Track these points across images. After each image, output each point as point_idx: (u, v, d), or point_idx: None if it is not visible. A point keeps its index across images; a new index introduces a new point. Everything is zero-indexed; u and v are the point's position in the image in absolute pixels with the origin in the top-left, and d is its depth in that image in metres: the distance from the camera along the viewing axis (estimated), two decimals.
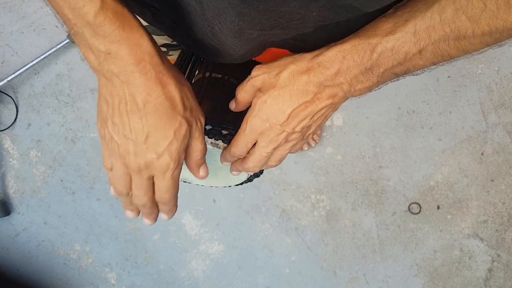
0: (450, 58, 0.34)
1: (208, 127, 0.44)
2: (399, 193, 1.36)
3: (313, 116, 0.38)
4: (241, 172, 0.45)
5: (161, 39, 0.59)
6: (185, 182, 0.53)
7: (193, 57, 0.53)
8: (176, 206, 0.41)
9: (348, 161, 1.35)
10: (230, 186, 0.55)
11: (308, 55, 0.37)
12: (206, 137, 0.44)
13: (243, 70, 0.45)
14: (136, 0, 0.39)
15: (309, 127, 0.39)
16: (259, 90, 0.39)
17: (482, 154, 1.35)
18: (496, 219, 1.36)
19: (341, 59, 0.34)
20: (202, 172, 0.40)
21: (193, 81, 0.51)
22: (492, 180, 1.35)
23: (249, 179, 0.52)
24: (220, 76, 0.49)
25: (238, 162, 0.44)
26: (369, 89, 0.37)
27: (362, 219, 1.36)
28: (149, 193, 0.38)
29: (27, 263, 1.41)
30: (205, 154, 0.40)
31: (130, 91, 0.32)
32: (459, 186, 1.35)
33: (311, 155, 1.35)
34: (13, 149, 1.36)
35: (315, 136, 1.31)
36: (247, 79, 0.40)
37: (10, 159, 1.36)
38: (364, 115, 1.34)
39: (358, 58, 0.34)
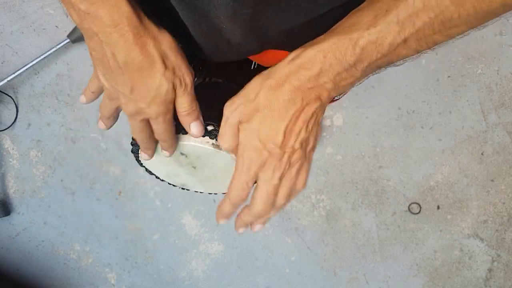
0: (434, 44, 0.33)
1: (210, 128, 0.43)
2: (399, 193, 1.36)
3: (307, 126, 0.36)
4: (248, 226, 0.41)
5: None
6: (183, 188, 0.52)
7: (192, 63, 0.52)
8: (176, 142, 0.42)
9: (348, 161, 1.35)
10: None
11: (282, 63, 0.35)
12: (207, 137, 0.43)
13: (243, 74, 0.44)
14: None
15: (307, 141, 0.37)
16: (241, 123, 0.37)
17: (482, 154, 1.35)
18: (496, 219, 1.36)
19: (322, 58, 0.33)
20: (194, 129, 0.40)
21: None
22: (492, 180, 1.35)
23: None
24: (220, 81, 0.49)
25: (243, 213, 0.40)
26: (352, 84, 0.36)
27: (362, 219, 1.36)
28: (144, 132, 0.40)
29: (27, 263, 1.41)
30: (196, 110, 0.39)
31: (110, 50, 0.33)
32: (459, 186, 1.35)
33: None
34: (13, 149, 1.36)
35: None
36: (222, 122, 0.38)
37: (10, 159, 1.36)
38: (364, 115, 1.34)
39: (340, 55, 0.32)
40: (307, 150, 0.38)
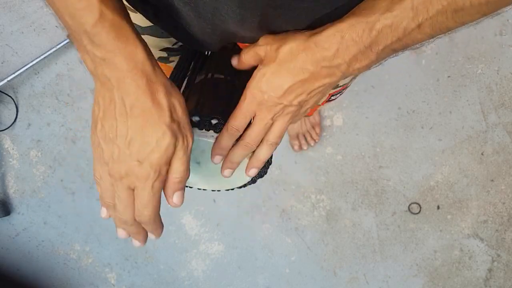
0: (447, 30, 0.34)
1: (214, 121, 0.43)
2: (399, 193, 1.36)
3: (310, 93, 0.39)
4: (234, 168, 0.44)
5: (162, 42, 0.59)
6: (186, 186, 0.52)
7: (193, 60, 0.52)
8: (161, 225, 0.40)
9: (348, 161, 1.35)
10: (233, 189, 0.53)
11: (306, 33, 0.37)
12: (212, 131, 0.43)
13: (245, 71, 0.45)
14: None
15: (306, 102, 0.40)
16: (261, 60, 0.40)
17: (482, 154, 1.35)
18: (496, 219, 1.36)
19: (340, 39, 0.34)
20: (176, 199, 0.39)
21: (195, 82, 0.51)
22: (492, 180, 1.35)
23: (253, 180, 0.50)
24: (222, 76, 0.49)
25: (233, 148, 0.43)
26: (367, 67, 0.37)
27: (362, 219, 1.36)
28: (130, 208, 0.37)
29: (27, 263, 1.41)
30: (186, 180, 0.38)
31: (120, 95, 0.34)
32: (459, 186, 1.35)
33: (311, 155, 1.35)
34: (13, 149, 1.36)
35: (314, 136, 1.31)
36: (253, 44, 0.41)
37: (10, 159, 1.36)
38: (364, 115, 1.34)
39: (357, 37, 0.34)
40: (303, 107, 0.41)
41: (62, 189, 1.37)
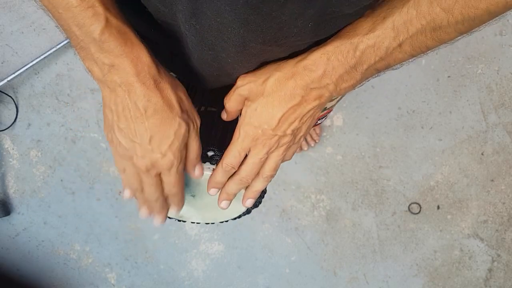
0: (427, 49, 0.36)
1: (210, 153, 0.44)
2: (399, 193, 1.36)
3: (301, 118, 0.40)
4: (231, 199, 0.45)
5: None
6: (180, 220, 0.52)
7: (187, 91, 0.52)
8: (184, 199, 0.44)
9: (348, 161, 1.35)
10: (227, 221, 0.53)
11: (291, 61, 0.38)
12: (208, 163, 0.44)
13: None
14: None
15: (299, 129, 0.41)
16: (247, 99, 0.41)
17: (482, 154, 1.35)
18: (496, 219, 1.36)
19: (326, 60, 0.36)
20: (197, 171, 0.42)
21: None
22: (492, 180, 1.35)
23: (248, 211, 0.50)
24: (215, 109, 0.49)
25: (227, 183, 0.44)
26: (353, 86, 0.39)
27: (362, 219, 1.36)
28: (159, 189, 0.41)
29: (27, 263, 1.41)
30: (200, 153, 0.42)
31: (132, 99, 0.36)
32: (459, 186, 1.35)
33: (311, 155, 1.35)
34: (13, 149, 1.36)
35: (315, 136, 1.31)
36: (233, 89, 0.42)
37: (10, 159, 1.36)
38: (364, 115, 1.34)
39: (342, 58, 0.35)
40: (297, 136, 0.42)
41: (62, 189, 1.37)
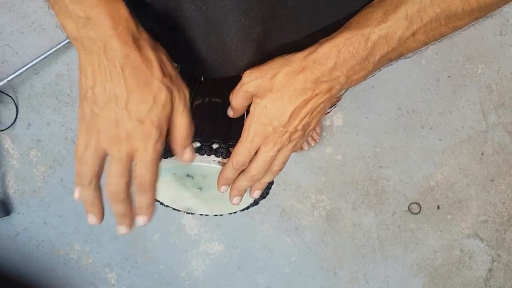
0: (441, 36, 0.35)
1: (215, 146, 0.43)
2: (399, 193, 1.36)
3: (312, 112, 0.39)
4: (242, 195, 0.44)
5: None
6: (188, 212, 0.51)
7: (189, 85, 0.52)
8: (154, 207, 0.38)
9: (348, 161, 1.35)
10: (235, 212, 0.53)
11: (300, 54, 0.37)
12: (213, 156, 0.42)
13: None
14: None
15: (309, 123, 0.40)
16: (255, 95, 0.39)
17: (482, 154, 1.35)
18: (496, 219, 1.36)
19: (336, 53, 0.35)
20: (187, 154, 0.38)
21: (192, 107, 0.50)
22: (492, 180, 1.35)
23: (255, 202, 0.50)
24: (219, 100, 0.49)
25: (238, 179, 0.43)
26: (364, 77, 0.37)
27: (362, 219, 1.36)
28: (125, 177, 0.35)
29: (27, 263, 1.41)
30: (191, 132, 0.38)
31: (108, 56, 0.32)
32: (459, 186, 1.35)
33: (311, 155, 1.35)
34: (13, 149, 1.36)
35: (315, 136, 1.31)
36: (238, 85, 0.40)
37: (10, 159, 1.36)
38: (364, 115, 1.34)
39: (353, 50, 0.34)
40: (307, 130, 0.41)
41: (62, 189, 1.37)
